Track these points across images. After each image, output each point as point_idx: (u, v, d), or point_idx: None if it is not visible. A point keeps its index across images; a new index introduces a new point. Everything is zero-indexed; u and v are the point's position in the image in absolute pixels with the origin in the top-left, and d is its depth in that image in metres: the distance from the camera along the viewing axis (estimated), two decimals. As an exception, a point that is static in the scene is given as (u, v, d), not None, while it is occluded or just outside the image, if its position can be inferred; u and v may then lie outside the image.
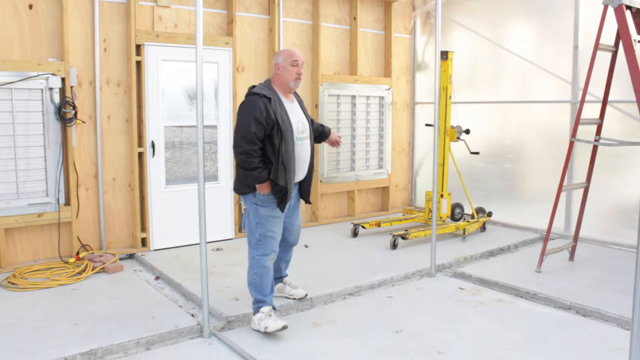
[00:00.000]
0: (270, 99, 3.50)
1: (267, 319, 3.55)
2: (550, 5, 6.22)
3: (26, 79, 4.65)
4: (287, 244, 3.99)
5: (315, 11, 6.57)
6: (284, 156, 3.46)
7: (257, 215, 3.60)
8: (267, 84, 3.66)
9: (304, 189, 3.87)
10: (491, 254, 5.57)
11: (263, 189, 3.51)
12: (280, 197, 3.54)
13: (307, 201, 3.91)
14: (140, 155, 5.39)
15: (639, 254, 2.30)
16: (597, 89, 5.19)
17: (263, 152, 3.49)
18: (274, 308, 3.67)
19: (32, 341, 3.36)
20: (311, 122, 3.93)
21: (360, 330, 3.67)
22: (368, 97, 7.13)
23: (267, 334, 3.55)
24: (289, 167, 3.50)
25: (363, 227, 6.15)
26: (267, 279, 3.64)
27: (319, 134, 4.09)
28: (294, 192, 3.77)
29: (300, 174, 3.72)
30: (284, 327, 3.51)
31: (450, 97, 6.23)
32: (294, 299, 4.07)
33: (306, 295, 4.10)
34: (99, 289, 4.36)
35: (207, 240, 3.85)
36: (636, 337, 2.35)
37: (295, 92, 3.89)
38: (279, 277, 4.12)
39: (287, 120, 3.53)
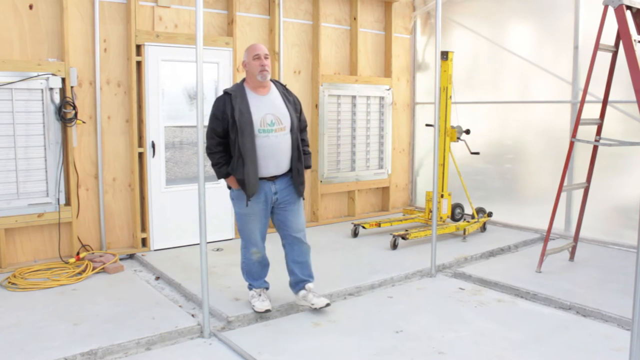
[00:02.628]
0: (231, 95, 3.69)
1: (256, 298, 3.90)
2: (551, 5, 6.22)
3: (26, 79, 4.65)
4: (286, 241, 3.95)
5: (316, 11, 6.57)
6: (241, 149, 3.58)
7: (234, 211, 3.89)
8: (240, 82, 3.84)
9: (294, 183, 3.80)
10: (491, 254, 5.57)
11: (231, 183, 3.74)
12: (242, 188, 3.66)
13: (298, 194, 3.83)
14: (141, 155, 5.39)
15: (639, 254, 2.30)
16: (597, 89, 5.19)
17: (228, 147, 3.71)
18: (267, 288, 4.02)
19: (32, 341, 3.37)
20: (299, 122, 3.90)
21: (360, 330, 3.67)
22: (368, 97, 7.13)
23: (268, 333, 3.57)
24: (247, 159, 3.58)
25: (363, 227, 6.15)
26: (254, 269, 3.95)
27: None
28: (277, 187, 3.76)
29: (271, 166, 3.71)
30: (267, 311, 3.83)
31: (450, 97, 6.23)
32: (315, 308, 3.88)
33: (328, 304, 3.87)
34: (99, 289, 4.36)
35: (207, 241, 3.87)
36: (636, 337, 2.36)
37: (286, 89, 3.93)
38: (299, 282, 3.95)
39: (247, 113, 3.62)
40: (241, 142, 3.57)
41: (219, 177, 3.77)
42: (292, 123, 3.77)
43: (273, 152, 3.69)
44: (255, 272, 3.95)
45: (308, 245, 3.97)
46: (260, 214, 3.79)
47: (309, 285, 3.93)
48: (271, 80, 3.88)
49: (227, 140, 3.69)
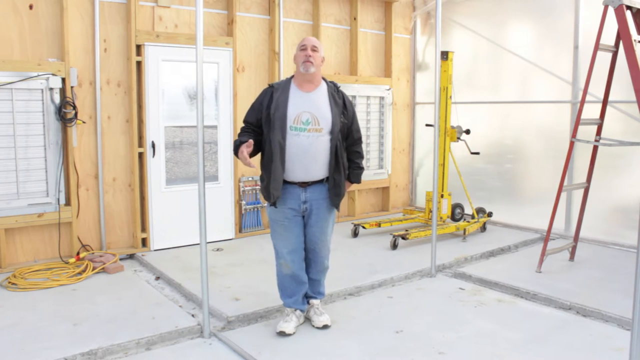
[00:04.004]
0: (274, 88, 3.53)
1: (281, 318, 3.68)
2: (551, 5, 6.22)
3: (26, 79, 4.65)
4: (307, 254, 3.67)
5: (316, 11, 6.57)
6: (271, 144, 3.39)
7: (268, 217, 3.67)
8: (290, 77, 3.62)
9: (330, 193, 3.50)
10: (491, 254, 5.57)
11: (241, 158, 3.35)
12: (267, 189, 3.46)
13: (334, 206, 3.54)
14: (141, 155, 5.39)
15: (639, 254, 2.30)
16: (597, 89, 5.19)
17: (256, 134, 3.51)
18: (302, 311, 3.72)
19: (32, 341, 3.37)
20: (346, 131, 3.57)
21: (361, 331, 3.66)
22: (368, 97, 7.12)
23: (268, 333, 3.58)
24: (275, 156, 3.38)
25: (363, 227, 6.15)
26: (285, 283, 3.67)
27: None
28: (308, 196, 3.49)
29: (298, 170, 3.44)
30: (281, 333, 3.55)
31: (450, 97, 6.23)
32: (312, 325, 3.69)
33: (325, 326, 3.67)
34: (99, 289, 4.36)
35: (207, 241, 3.86)
36: (636, 337, 2.35)
37: (337, 91, 3.61)
38: (306, 297, 3.76)
39: (283, 108, 3.41)
40: (272, 137, 3.37)
41: (235, 147, 3.45)
42: (333, 126, 3.44)
43: (301, 153, 3.40)
44: (287, 288, 3.66)
45: (327, 266, 3.75)
46: (287, 223, 3.53)
47: (312, 301, 3.76)
48: (324, 79, 3.62)
49: (259, 130, 3.51)
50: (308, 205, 3.52)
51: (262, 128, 3.51)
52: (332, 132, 3.44)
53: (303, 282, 3.67)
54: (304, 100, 3.47)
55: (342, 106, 3.54)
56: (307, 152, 3.41)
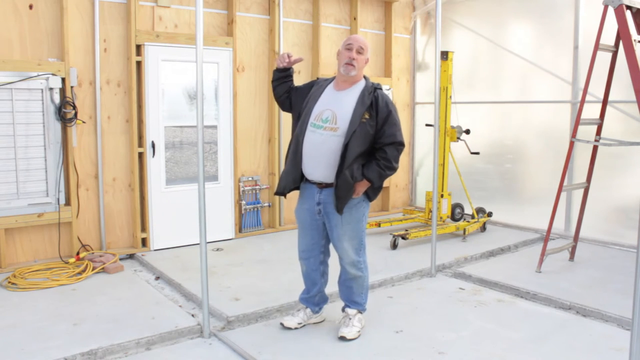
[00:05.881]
0: (317, 82, 3.57)
1: (289, 315, 3.75)
2: (551, 5, 6.22)
3: (26, 79, 4.65)
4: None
5: (316, 11, 6.57)
6: (296, 135, 3.42)
7: None
8: (335, 76, 3.54)
9: (335, 196, 3.30)
10: (491, 254, 5.57)
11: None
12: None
13: (335, 209, 3.33)
14: (141, 155, 5.39)
15: (639, 254, 2.30)
16: (597, 89, 5.19)
17: (286, 85, 3.63)
18: (313, 312, 3.75)
19: (32, 341, 3.36)
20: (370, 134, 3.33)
21: (360, 330, 3.66)
22: (368, 97, 7.11)
23: (268, 333, 3.59)
24: (291, 149, 3.44)
25: (363, 227, 6.14)
26: (303, 278, 3.72)
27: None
28: (322, 197, 3.39)
29: (308, 167, 3.37)
30: (281, 324, 3.66)
31: (450, 97, 6.23)
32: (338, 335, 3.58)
33: (344, 337, 3.53)
34: (99, 289, 4.35)
35: (207, 241, 3.85)
36: (636, 337, 2.35)
37: (371, 92, 3.36)
38: (343, 302, 3.72)
39: (311, 104, 3.40)
40: (297, 129, 3.40)
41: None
42: (349, 127, 3.24)
43: (313, 150, 3.32)
44: (305, 284, 3.71)
45: (354, 274, 3.57)
46: (304, 221, 3.53)
47: (346, 310, 3.66)
48: (366, 79, 3.45)
49: (289, 84, 3.61)
50: (322, 207, 3.41)
51: (292, 93, 3.59)
52: (347, 133, 3.24)
53: (315, 283, 3.68)
54: (332, 98, 3.39)
55: (369, 107, 3.31)
56: (318, 151, 3.31)
